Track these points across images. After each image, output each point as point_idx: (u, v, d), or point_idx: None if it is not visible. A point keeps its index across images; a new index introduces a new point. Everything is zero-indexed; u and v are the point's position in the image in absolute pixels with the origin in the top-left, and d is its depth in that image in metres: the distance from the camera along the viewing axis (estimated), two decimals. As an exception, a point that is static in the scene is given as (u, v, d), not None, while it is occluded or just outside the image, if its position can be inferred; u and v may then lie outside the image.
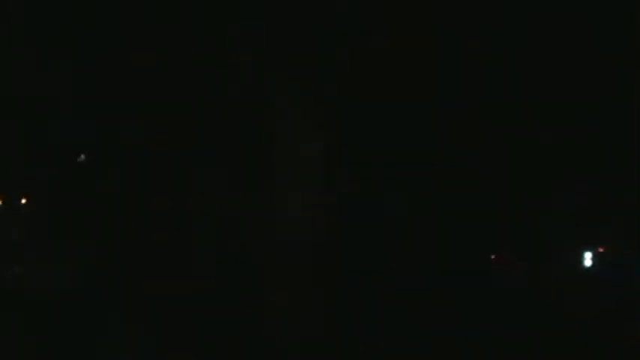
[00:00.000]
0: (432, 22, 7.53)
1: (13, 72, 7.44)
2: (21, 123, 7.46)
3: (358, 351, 7.19)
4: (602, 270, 7.52)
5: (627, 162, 7.47)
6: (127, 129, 7.51)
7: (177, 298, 7.21)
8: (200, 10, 7.49)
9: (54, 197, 7.48)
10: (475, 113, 7.64)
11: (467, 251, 7.62)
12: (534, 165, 7.68)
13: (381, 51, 7.53)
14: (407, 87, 7.56)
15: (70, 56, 7.47)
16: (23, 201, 7.47)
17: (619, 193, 7.52)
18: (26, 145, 7.47)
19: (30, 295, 7.25)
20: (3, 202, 7.46)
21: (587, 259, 7.56)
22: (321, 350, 7.19)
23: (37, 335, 7.06)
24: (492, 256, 7.68)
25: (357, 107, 7.58)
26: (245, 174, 7.49)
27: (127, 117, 7.52)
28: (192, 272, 7.35)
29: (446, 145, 7.64)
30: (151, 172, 7.48)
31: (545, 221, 7.65)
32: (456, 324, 7.30)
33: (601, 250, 7.56)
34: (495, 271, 7.64)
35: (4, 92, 7.44)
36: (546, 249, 7.62)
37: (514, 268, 7.63)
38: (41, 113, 7.49)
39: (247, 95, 7.55)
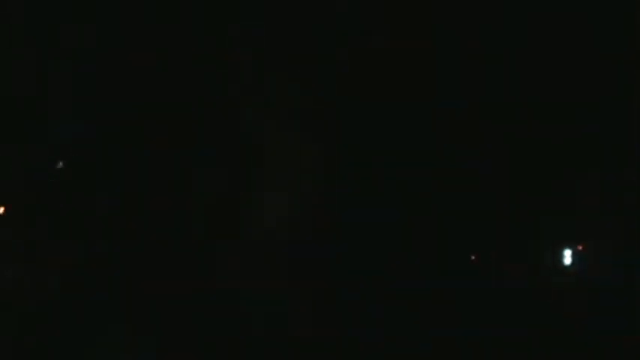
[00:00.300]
0: (432, 22, 7.53)
1: (13, 72, 7.44)
2: (19, 123, 7.46)
3: (358, 351, 7.20)
4: (597, 270, 7.52)
5: (627, 162, 7.47)
6: (127, 129, 7.51)
7: (177, 298, 7.21)
8: (200, 10, 7.49)
9: (54, 197, 7.48)
10: (475, 113, 7.63)
11: (465, 251, 7.62)
12: (534, 165, 7.68)
13: (381, 51, 7.53)
14: (407, 87, 7.56)
15: (70, 56, 7.47)
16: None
17: (619, 192, 7.52)
18: (26, 145, 7.47)
19: (30, 295, 7.26)
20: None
21: (567, 256, 7.56)
22: (321, 350, 7.20)
23: (36, 335, 7.06)
24: (490, 256, 7.69)
25: (357, 107, 7.58)
26: (245, 174, 7.50)
27: (127, 117, 7.51)
28: (192, 272, 7.35)
29: (446, 145, 7.64)
30: (151, 172, 7.48)
31: (544, 221, 7.65)
32: (455, 324, 7.31)
33: (580, 247, 7.56)
34: (494, 272, 7.64)
35: (4, 92, 7.45)
36: (544, 249, 7.63)
37: (512, 268, 7.64)
38: (40, 113, 7.49)
39: (247, 95, 7.55)
